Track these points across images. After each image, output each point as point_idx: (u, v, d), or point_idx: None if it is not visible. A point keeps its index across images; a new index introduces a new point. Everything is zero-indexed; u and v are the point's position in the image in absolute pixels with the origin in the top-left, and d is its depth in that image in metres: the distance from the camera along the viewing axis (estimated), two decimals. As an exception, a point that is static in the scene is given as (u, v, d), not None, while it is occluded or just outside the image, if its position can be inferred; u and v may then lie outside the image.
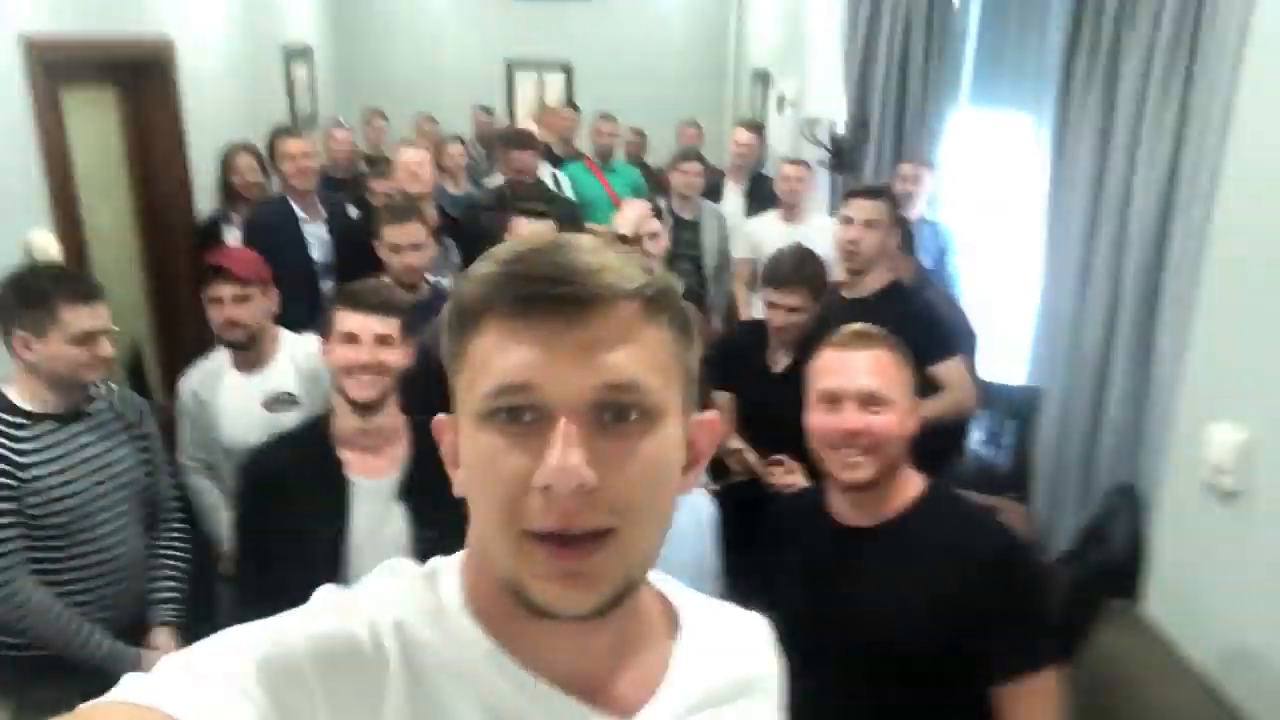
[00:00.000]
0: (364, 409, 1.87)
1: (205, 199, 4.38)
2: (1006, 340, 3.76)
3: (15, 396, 1.96)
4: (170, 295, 4.28)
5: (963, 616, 1.37)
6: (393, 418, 1.94)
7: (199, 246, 4.15)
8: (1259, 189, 1.92)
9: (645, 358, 0.63)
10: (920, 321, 2.57)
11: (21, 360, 1.93)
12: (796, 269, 2.55)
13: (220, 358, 2.50)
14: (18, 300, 1.90)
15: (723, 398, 2.64)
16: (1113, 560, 2.45)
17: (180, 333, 4.30)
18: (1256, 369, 1.87)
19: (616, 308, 0.62)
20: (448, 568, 0.72)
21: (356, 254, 3.16)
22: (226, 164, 4.46)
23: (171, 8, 4.15)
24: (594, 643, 0.69)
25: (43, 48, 3.06)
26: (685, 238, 3.97)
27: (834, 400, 1.51)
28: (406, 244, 2.85)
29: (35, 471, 1.91)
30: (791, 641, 1.58)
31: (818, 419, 1.52)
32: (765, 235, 4.08)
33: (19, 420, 1.94)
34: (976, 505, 1.56)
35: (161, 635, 2.15)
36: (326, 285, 3.56)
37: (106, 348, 1.98)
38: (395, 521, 1.90)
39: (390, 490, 1.91)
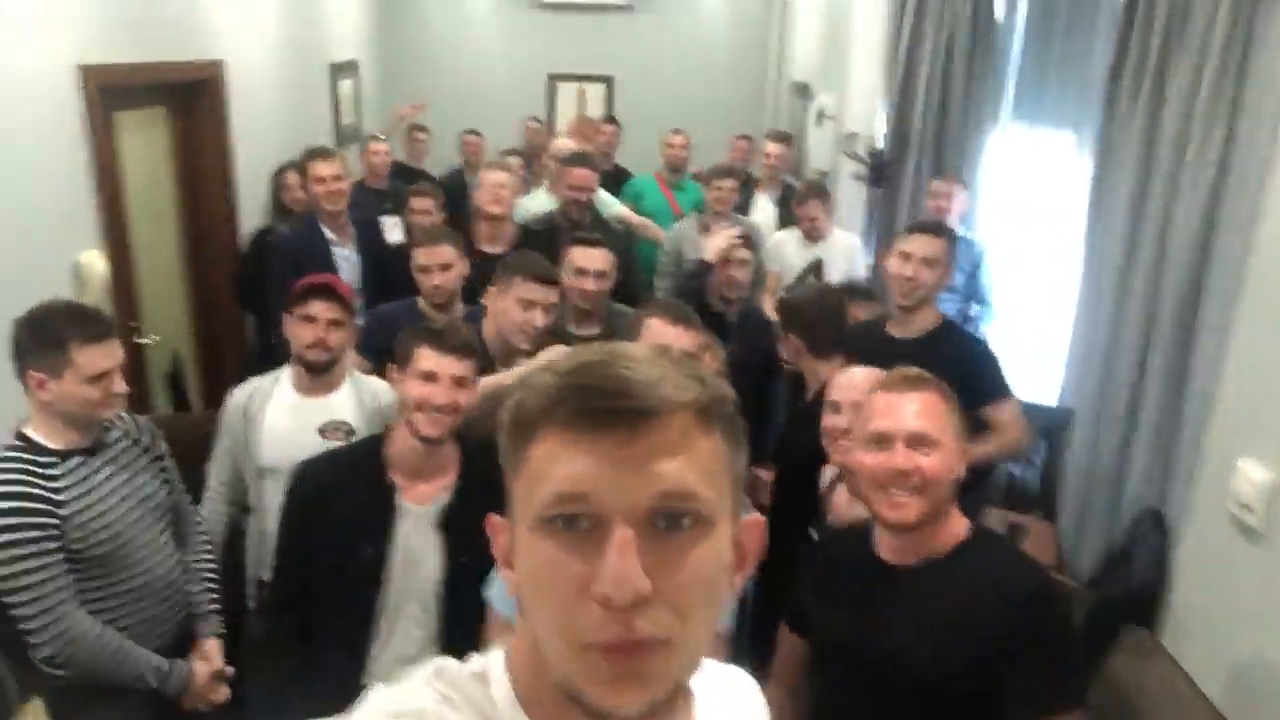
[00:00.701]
0: (428, 442, 1.93)
1: (250, 214, 4.48)
2: (1040, 360, 3.71)
3: (39, 436, 1.98)
4: (212, 309, 4.40)
5: (996, 655, 1.40)
6: (447, 448, 2.00)
7: (250, 260, 4.27)
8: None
9: (699, 467, 0.65)
10: (972, 364, 2.53)
11: (39, 400, 1.95)
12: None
13: (277, 376, 2.50)
14: (33, 341, 1.92)
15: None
16: (1136, 587, 2.42)
17: (220, 346, 4.41)
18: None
19: (672, 419, 0.64)
20: (495, 667, 0.73)
21: (397, 275, 3.20)
22: (278, 181, 4.57)
23: (223, 31, 4.26)
24: None
25: (98, 74, 3.16)
26: None
27: (883, 441, 1.54)
28: (435, 265, 2.90)
29: (73, 507, 1.94)
30: (830, 669, 1.62)
31: (866, 459, 1.56)
32: (785, 252, 4.19)
33: (49, 460, 1.96)
34: (1017, 550, 1.58)
35: (210, 645, 2.21)
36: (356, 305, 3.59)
37: (120, 385, 1.99)
38: (433, 549, 1.96)
39: (434, 517, 1.97)
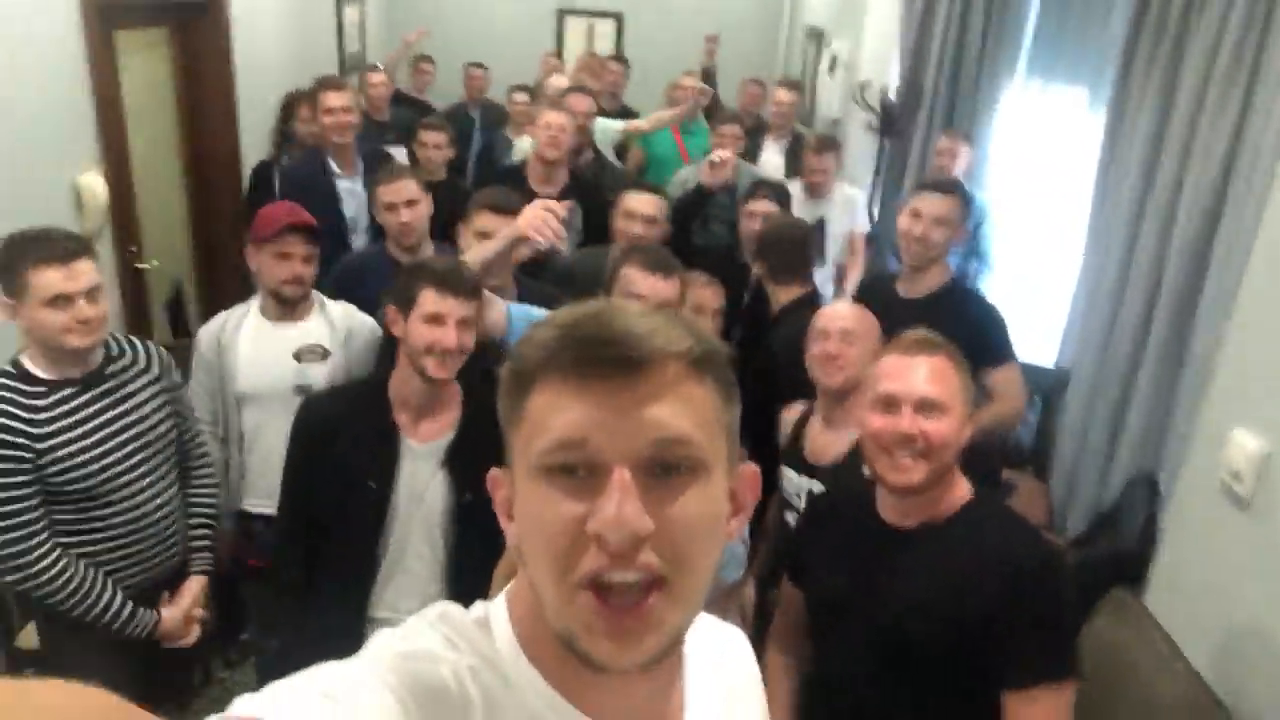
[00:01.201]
0: (434, 382, 1.93)
1: (252, 139, 4.42)
2: (1040, 319, 3.71)
3: (31, 365, 1.94)
4: (213, 235, 4.36)
5: (993, 623, 1.40)
6: (451, 387, 2.00)
7: (251, 190, 4.22)
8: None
9: (693, 414, 0.67)
10: (978, 325, 2.51)
11: (20, 327, 1.90)
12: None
13: (247, 307, 2.51)
14: (1, 266, 1.87)
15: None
16: (1124, 548, 2.45)
17: (220, 272, 4.39)
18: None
19: (665, 367, 0.66)
20: (497, 614, 0.75)
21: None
22: (287, 110, 4.48)
23: (224, -52, 4.15)
24: (641, 689, 0.72)
25: (96, -11, 3.08)
26: (721, 200, 3.93)
27: (891, 404, 1.53)
28: (400, 202, 2.81)
29: (54, 440, 1.91)
30: (827, 628, 1.64)
31: (873, 420, 1.54)
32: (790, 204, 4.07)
33: (37, 389, 1.92)
34: (1021, 518, 1.56)
35: (194, 584, 2.21)
36: (358, 240, 3.57)
37: (85, 310, 1.87)
38: (438, 485, 1.98)
39: (438, 455, 1.98)
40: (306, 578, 2.02)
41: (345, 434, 1.97)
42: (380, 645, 0.70)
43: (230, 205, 4.30)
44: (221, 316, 2.50)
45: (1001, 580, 1.41)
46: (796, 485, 2.20)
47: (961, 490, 1.55)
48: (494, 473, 0.74)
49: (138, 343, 2.15)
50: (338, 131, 3.61)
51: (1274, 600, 1.79)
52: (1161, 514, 2.42)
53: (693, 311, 2.54)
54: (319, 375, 2.42)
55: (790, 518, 2.22)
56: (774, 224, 3.05)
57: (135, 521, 2.05)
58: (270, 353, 2.42)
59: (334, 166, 3.65)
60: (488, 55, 6.36)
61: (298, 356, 2.43)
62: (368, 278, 2.77)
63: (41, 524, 1.92)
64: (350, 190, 3.65)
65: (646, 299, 2.12)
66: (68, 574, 1.95)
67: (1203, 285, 2.45)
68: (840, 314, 2.22)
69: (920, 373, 1.52)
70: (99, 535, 2.01)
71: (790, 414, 2.37)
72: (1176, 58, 2.68)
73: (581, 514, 0.63)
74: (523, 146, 4.32)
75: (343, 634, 0.85)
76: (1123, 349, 2.83)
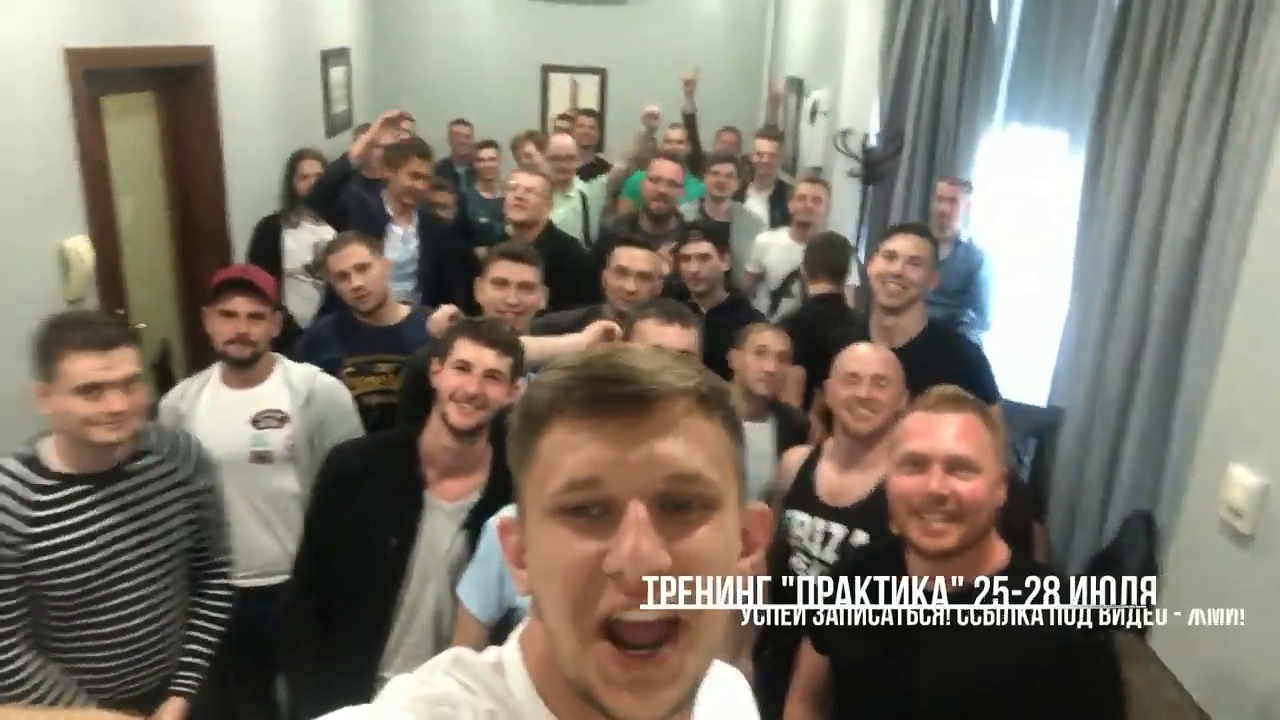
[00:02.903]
0: (459, 435, 1.93)
1: (239, 200, 4.44)
2: (1031, 359, 3.71)
3: (48, 454, 1.83)
4: (201, 296, 4.31)
5: (1033, 699, 1.32)
6: (480, 447, 2.00)
7: (256, 244, 4.26)
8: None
9: (704, 450, 0.67)
10: (964, 367, 2.49)
11: (47, 413, 1.80)
12: None
13: (205, 375, 2.49)
14: (35, 347, 1.78)
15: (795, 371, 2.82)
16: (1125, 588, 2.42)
17: (210, 336, 4.35)
18: (1278, 416, 1.83)
19: (674, 404, 0.67)
20: (511, 659, 0.74)
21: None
22: (293, 167, 4.55)
23: (212, 16, 4.21)
24: None
25: (85, 57, 3.11)
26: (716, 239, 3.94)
27: (919, 463, 1.46)
28: (351, 268, 2.83)
29: (47, 542, 1.78)
30: (851, 694, 1.56)
31: (902, 482, 1.47)
32: (773, 251, 4.09)
33: (44, 483, 1.81)
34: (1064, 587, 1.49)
35: (174, 707, 2.00)
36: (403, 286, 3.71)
37: (116, 402, 1.77)
38: (458, 547, 1.96)
39: (461, 515, 1.97)
40: (321, 630, 1.99)
41: (370, 485, 1.97)
42: (396, 690, 0.70)
43: (219, 265, 4.29)
44: (182, 385, 2.51)
45: (1040, 657, 1.31)
46: (810, 529, 2.13)
47: (1000, 555, 1.47)
48: (504, 520, 0.74)
49: (179, 437, 2.06)
50: (412, 195, 3.84)
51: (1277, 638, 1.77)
52: (1161, 553, 2.40)
53: (754, 354, 2.56)
54: (277, 441, 2.39)
55: (798, 562, 2.15)
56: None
57: (115, 636, 1.90)
58: (227, 419, 2.40)
59: (389, 209, 3.83)
60: (473, 112, 6.44)
61: (255, 422, 2.40)
62: (330, 344, 2.84)
63: (16, 625, 1.78)
64: (399, 235, 3.82)
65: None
66: (32, 682, 1.79)
67: (1191, 319, 2.46)
68: (871, 358, 2.16)
69: (949, 430, 1.45)
70: (76, 644, 1.87)
71: (794, 456, 2.34)
72: (1151, 97, 2.72)
73: (597, 553, 0.63)
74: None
75: (352, 693, 0.84)
76: (1114, 386, 2.83)
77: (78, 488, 1.84)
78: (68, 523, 1.82)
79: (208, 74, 4.16)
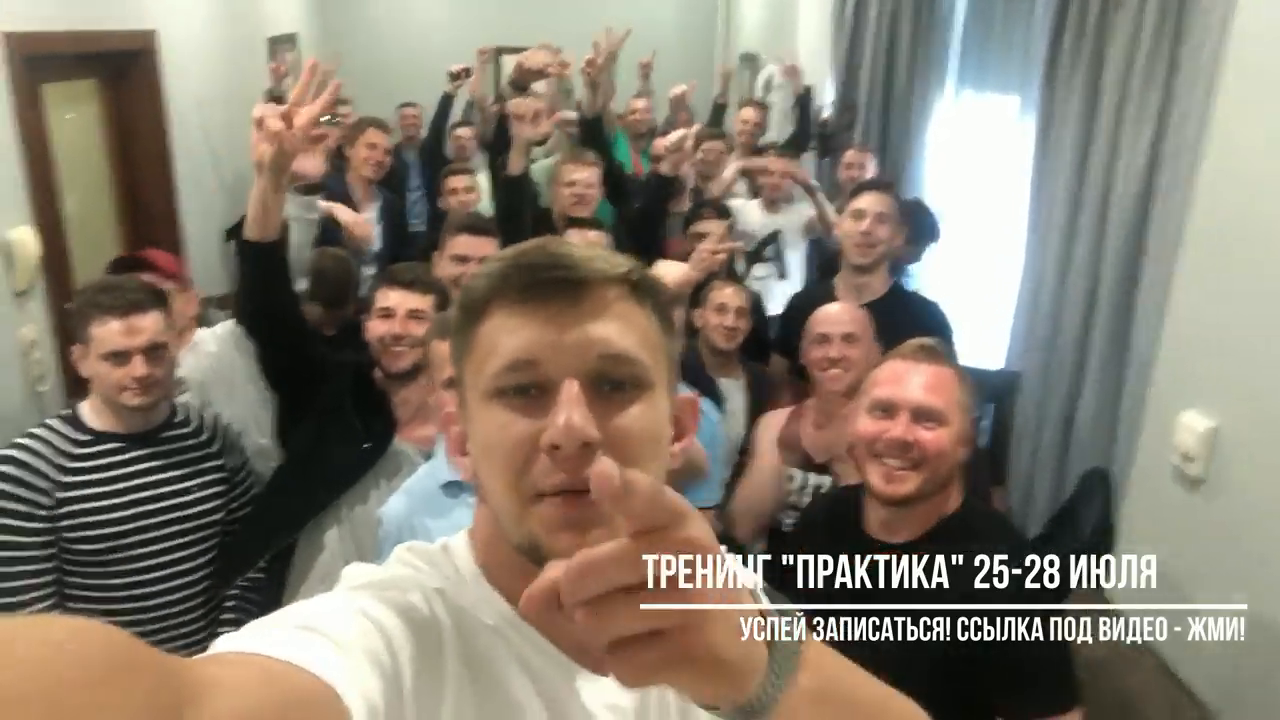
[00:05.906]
0: (396, 379, 1.95)
1: (187, 186, 4.35)
2: (986, 324, 3.76)
3: (87, 412, 1.91)
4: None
5: (980, 655, 1.28)
6: (425, 393, 1.99)
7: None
8: (1236, 179, 1.92)
9: (635, 334, 0.70)
10: (929, 328, 2.49)
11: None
12: None
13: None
14: (75, 312, 1.86)
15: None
16: (1082, 543, 2.47)
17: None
18: (1226, 359, 1.88)
19: (607, 289, 0.70)
20: (457, 542, 0.79)
21: None
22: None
23: (155, 0, 4.10)
24: None
25: (23, 42, 3.03)
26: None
27: (887, 409, 1.47)
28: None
29: (76, 492, 1.83)
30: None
31: (866, 426, 1.48)
32: (746, 218, 4.10)
33: (80, 437, 1.87)
34: (1014, 532, 1.50)
35: None
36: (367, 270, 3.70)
37: (141, 368, 1.83)
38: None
39: (420, 459, 1.98)
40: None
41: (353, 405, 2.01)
42: (352, 577, 0.73)
43: (169, 251, 4.21)
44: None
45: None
46: (801, 482, 2.20)
47: (952, 503, 1.48)
48: (446, 413, 0.77)
49: (205, 415, 2.08)
50: (372, 168, 3.88)
51: (1233, 577, 1.82)
52: (1117, 506, 2.45)
53: (715, 311, 2.58)
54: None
55: (784, 517, 2.22)
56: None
57: (134, 601, 1.90)
58: None
59: (357, 195, 3.86)
60: (423, 94, 6.36)
61: None
62: None
63: (45, 579, 1.82)
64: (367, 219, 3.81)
65: None
66: None
67: (1140, 274, 2.51)
68: (840, 317, 2.20)
69: (919, 379, 1.46)
70: (92, 604, 1.87)
71: (774, 417, 2.36)
72: (1098, 58, 2.76)
73: (535, 430, 0.66)
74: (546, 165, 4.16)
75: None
76: (1068, 345, 2.88)
77: (110, 444, 1.90)
78: (97, 476, 1.87)
79: (152, 59, 4.07)
